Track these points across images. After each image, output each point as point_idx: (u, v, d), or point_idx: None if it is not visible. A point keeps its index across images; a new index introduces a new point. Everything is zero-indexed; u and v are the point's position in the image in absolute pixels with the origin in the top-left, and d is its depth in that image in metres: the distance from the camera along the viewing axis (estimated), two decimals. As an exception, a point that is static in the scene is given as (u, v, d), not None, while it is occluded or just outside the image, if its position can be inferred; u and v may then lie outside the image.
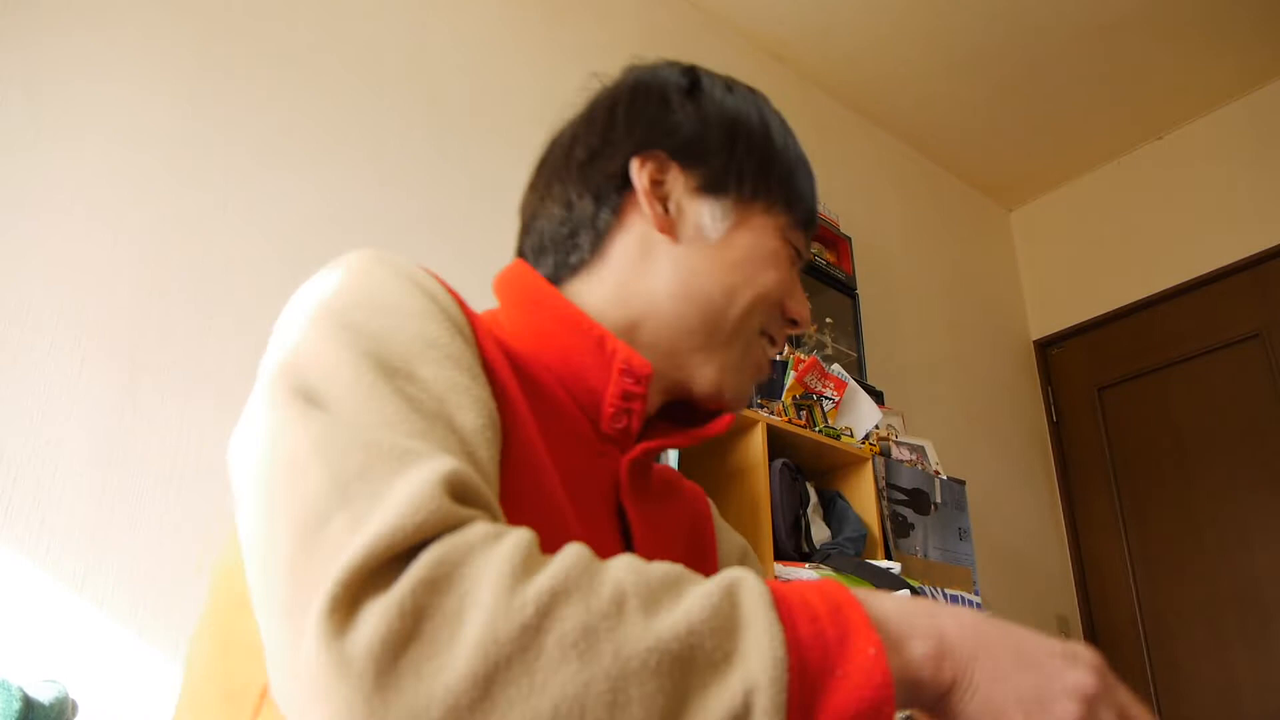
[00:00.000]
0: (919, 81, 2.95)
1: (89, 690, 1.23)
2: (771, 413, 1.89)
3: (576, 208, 0.71)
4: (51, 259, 1.49)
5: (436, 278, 0.58)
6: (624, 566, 0.43)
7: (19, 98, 1.54)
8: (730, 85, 0.75)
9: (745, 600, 0.43)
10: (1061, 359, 3.27)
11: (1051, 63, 2.88)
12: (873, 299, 2.67)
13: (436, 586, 0.39)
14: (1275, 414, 2.68)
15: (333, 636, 0.38)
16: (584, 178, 0.71)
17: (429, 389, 0.49)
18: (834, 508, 1.96)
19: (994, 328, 3.23)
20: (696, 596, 0.42)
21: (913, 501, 2.07)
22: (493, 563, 0.40)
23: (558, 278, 0.72)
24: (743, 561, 0.82)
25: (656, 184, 0.70)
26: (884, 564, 1.80)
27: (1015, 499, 2.95)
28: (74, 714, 1.08)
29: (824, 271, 2.44)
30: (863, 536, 1.91)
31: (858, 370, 2.40)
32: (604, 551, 0.55)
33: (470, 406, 0.50)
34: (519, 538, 0.42)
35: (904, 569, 1.82)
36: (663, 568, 0.44)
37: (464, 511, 0.42)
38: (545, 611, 0.39)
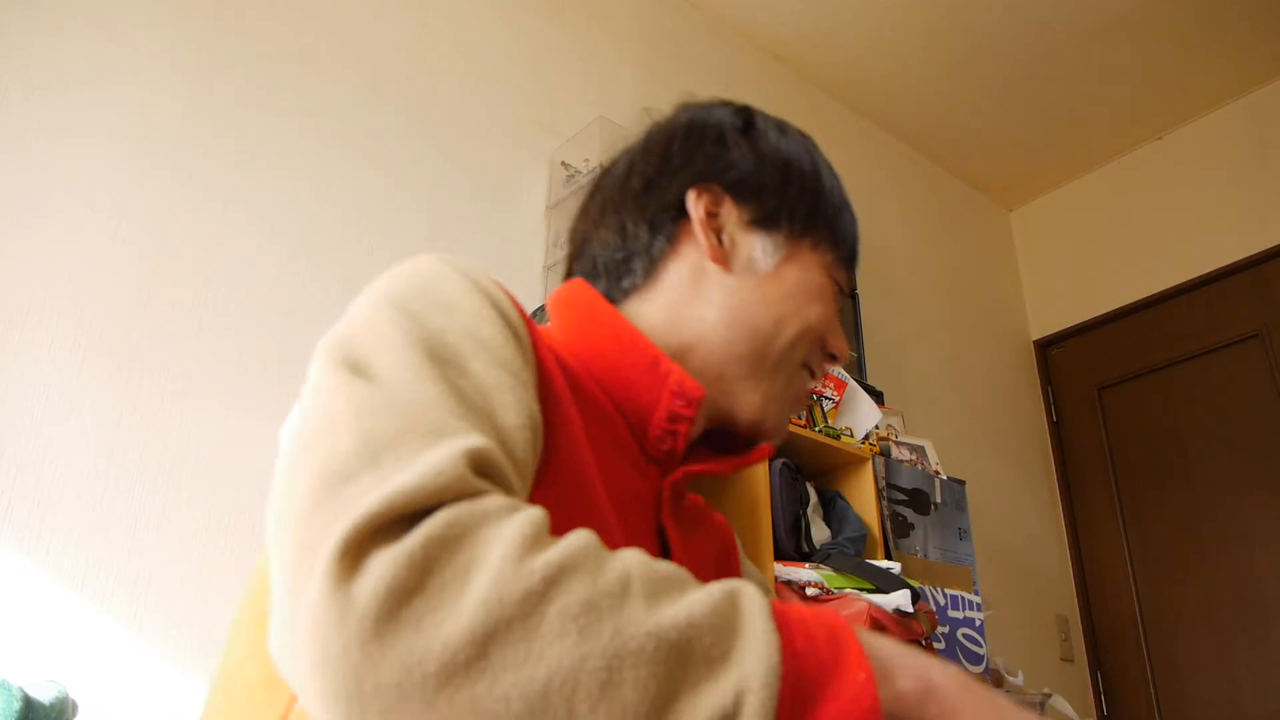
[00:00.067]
0: (919, 82, 2.95)
1: (89, 690, 1.23)
2: (771, 413, 1.89)
3: (631, 235, 0.73)
4: (51, 259, 1.49)
5: (502, 288, 0.59)
6: (632, 556, 0.44)
7: (19, 98, 1.54)
8: (783, 127, 0.79)
9: (746, 606, 0.43)
10: (1061, 359, 3.27)
11: (1051, 63, 2.88)
12: (873, 299, 2.67)
13: (447, 544, 0.40)
14: (1275, 414, 2.68)
15: (338, 581, 0.38)
16: (640, 206, 0.74)
17: (474, 382, 0.50)
18: (834, 508, 1.96)
19: (994, 328, 3.23)
20: (699, 594, 0.43)
21: (913, 501, 2.07)
22: (505, 531, 0.41)
23: (610, 300, 0.74)
24: (765, 593, 0.83)
25: (711, 216, 0.72)
26: (884, 564, 1.79)
27: (1015, 499, 2.95)
28: (74, 714, 1.08)
29: (824, 271, 2.44)
30: (863, 536, 1.91)
31: (858, 370, 2.40)
32: None
33: (513, 406, 0.51)
34: (533, 514, 0.43)
35: (904, 569, 1.82)
36: (669, 565, 0.45)
37: (484, 484, 0.43)
38: (551, 581, 0.39)
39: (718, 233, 0.72)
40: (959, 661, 1.83)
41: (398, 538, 0.40)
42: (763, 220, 0.73)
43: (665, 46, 2.58)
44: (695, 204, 0.72)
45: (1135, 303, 3.07)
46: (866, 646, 0.45)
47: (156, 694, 1.35)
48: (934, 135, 3.17)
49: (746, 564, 0.84)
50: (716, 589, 0.44)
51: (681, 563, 0.66)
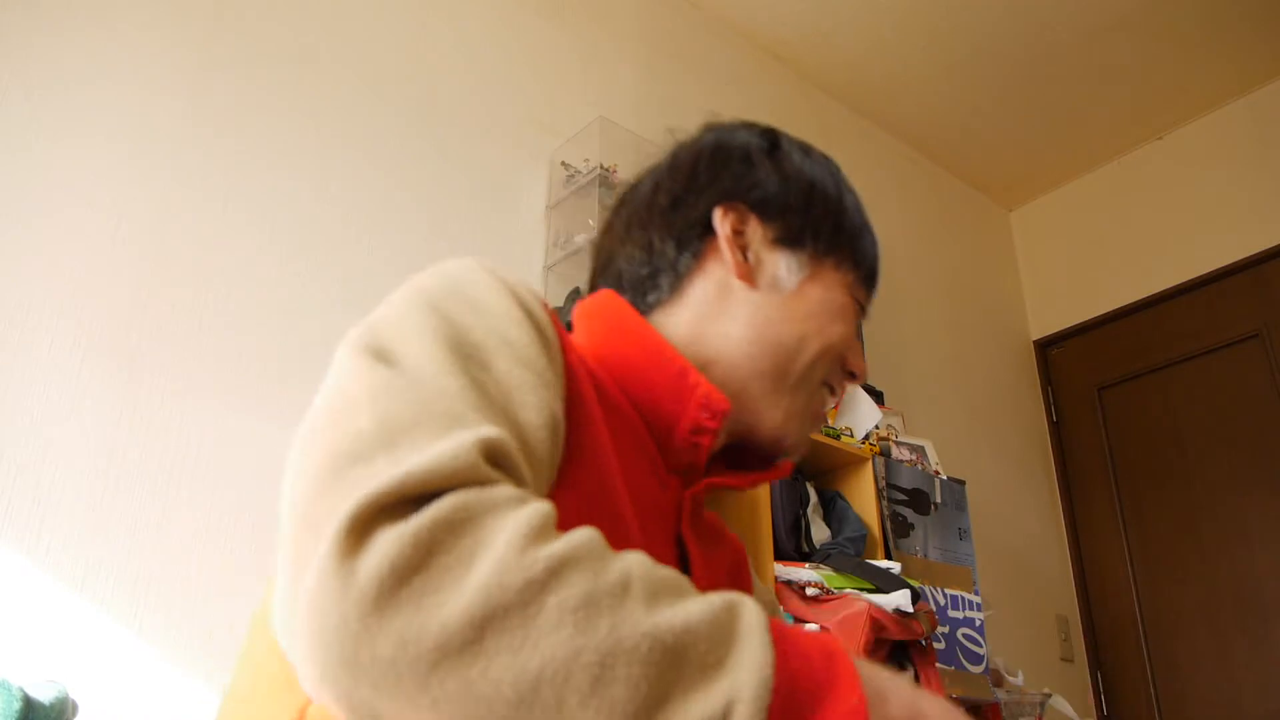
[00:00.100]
0: (919, 82, 2.95)
1: (89, 690, 1.23)
2: (771, 413, 1.89)
3: (658, 251, 0.75)
4: (51, 259, 1.49)
5: (535, 294, 0.60)
6: (635, 558, 0.44)
7: (19, 98, 1.54)
8: (807, 149, 0.80)
9: (745, 618, 0.43)
10: (1061, 359, 3.27)
11: (1051, 63, 2.88)
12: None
13: (453, 528, 0.40)
14: (1275, 414, 2.68)
15: (343, 555, 0.39)
16: (667, 223, 0.75)
17: (497, 380, 0.51)
18: (834, 508, 1.96)
19: (994, 328, 3.23)
20: (698, 601, 0.43)
21: (913, 501, 2.07)
22: (512, 520, 0.41)
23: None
24: (772, 610, 0.84)
25: (737, 233, 0.74)
26: (884, 564, 1.80)
27: (1015, 499, 2.95)
28: (74, 714, 1.08)
29: (824, 271, 2.44)
30: (863, 536, 1.91)
31: (858, 370, 2.39)
32: None
33: (534, 406, 0.51)
34: (541, 507, 0.43)
35: (904, 569, 1.82)
36: (671, 571, 0.45)
37: (495, 474, 0.44)
38: (553, 573, 0.40)
39: (743, 250, 0.74)
40: (959, 661, 1.83)
41: (405, 517, 0.40)
42: (787, 239, 0.74)
43: (665, 46, 2.58)
44: (722, 221, 0.74)
45: (1135, 303, 3.07)
46: (861, 671, 0.45)
47: (156, 694, 1.35)
48: (934, 135, 3.17)
49: (758, 584, 0.85)
50: (717, 598, 0.44)
51: (699, 574, 0.67)
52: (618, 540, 0.55)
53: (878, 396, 2.22)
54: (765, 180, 0.75)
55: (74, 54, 1.62)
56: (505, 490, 0.43)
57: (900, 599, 1.64)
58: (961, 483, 2.21)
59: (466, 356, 0.51)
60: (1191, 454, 2.83)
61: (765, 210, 0.75)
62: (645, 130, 2.33)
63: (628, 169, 2.16)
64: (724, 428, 0.70)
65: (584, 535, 0.43)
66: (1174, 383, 2.93)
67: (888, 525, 1.98)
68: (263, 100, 1.80)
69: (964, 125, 3.13)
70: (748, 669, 0.41)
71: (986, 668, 1.87)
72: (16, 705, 0.98)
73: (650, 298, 0.74)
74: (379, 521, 0.40)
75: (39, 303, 1.46)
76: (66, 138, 1.56)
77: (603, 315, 0.73)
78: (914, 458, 2.18)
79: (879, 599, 1.62)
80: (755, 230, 0.74)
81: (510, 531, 0.41)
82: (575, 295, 1.90)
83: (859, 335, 0.80)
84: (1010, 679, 1.98)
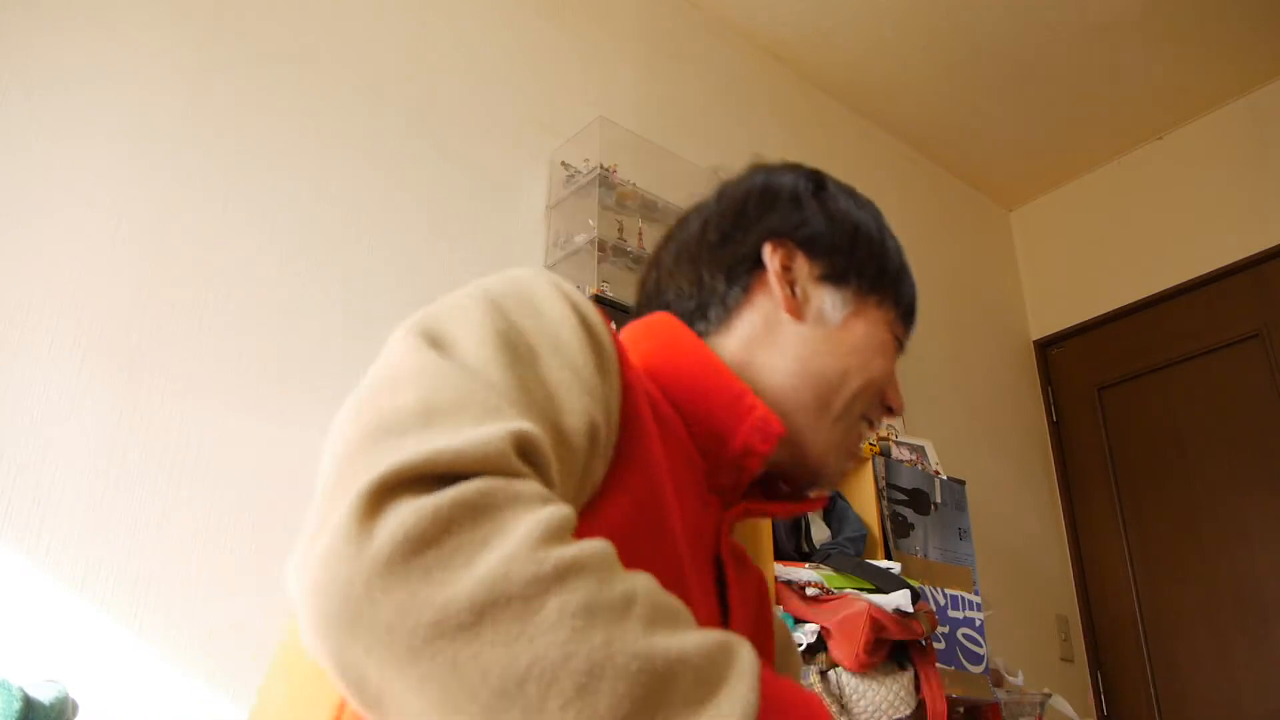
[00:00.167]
0: (919, 82, 2.96)
1: (89, 690, 1.23)
2: (771, 413, 1.89)
3: (707, 285, 0.77)
4: (51, 259, 1.49)
5: (597, 308, 0.61)
6: (643, 579, 0.44)
7: (19, 98, 1.54)
8: (851, 192, 0.83)
9: (738, 663, 0.43)
10: (1061, 359, 3.27)
11: (1051, 63, 2.88)
12: (873, 299, 2.67)
13: (473, 511, 0.41)
14: (1275, 414, 2.68)
15: (363, 515, 0.40)
16: (716, 258, 0.78)
17: (542, 381, 0.52)
18: (834, 508, 1.96)
19: (994, 328, 3.23)
20: (696, 635, 0.43)
21: (913, 501, 2.07)
22: (531, 516, 0.42)
23: None
24: (786, 647, 0.86)
25: (785, 269, 0.77)
26: (884, 564, 1.80)
27: (1015, 499, 2.95)
28: (74, 714, 1.08)
29: (824, 271, 2.44)
30: (863, 536, 1.91)
31: (858, 370, 2.39)
32: (704, 595, 0.61)
33: (575, 411, 0.52)
34: (562, 510, 0.44)
35: (904, 569, 1.82)
36: (676, 600, 0.45)
37: (524, 468, 0.45)
38: (560, 575, 0.40)
39: (791, 285, 0.76)
40: (959, 661, 1.83)
41: (428, 492, 0.41)
42: (833, 276, 0.77)
43: (665, 46, 2.58)
44: (771, 257, 0.76)
45: (1135, 303, 3.07)
46: None
47: (156, 694, 1.35)
48: (934, 135, 3.17)
49: (776, 615, 0.86)
50: (715, 636, 0.44)
51: (734, 596, 0.68)
52: (664, 551, 0.57)
53: (878, 396, 2.22)
54: (813, 219, 0.78)
55: (74, 54, 1.62)
56: (531, 486, 0.44)
57: (900, 599, 1.64)
58: (961, 483, 2.21)
59: (516, 354, 0.52)
60: (1191, 454, 2.83)
61: (812, 248, 0.77)
62: (645, 130, 2.33)
63: (628, 169, 2.16)
64: (771, 453, 0.71)
65: (598, 546, 0.43)
66: (1174, 383, 2.93)
67: (888, 525, 1.98)
68: (263, 100, 1.80)
69: (964, 125, 3.13)
70: (730, 714, 0.41)
71: (986, 668, 1.87)
72: (16, 705, 0.98)
73: (698, 328, 0.77)
74: (402, 492, 0.41)
75: (39, 303, 1.46)
76: (66, 138, 1.56)
77: (660, 334, 0.75)
78: (914, 458, 2.18)
79: (879, 599, 1.62)
80: (802, 267, 0.77)
81: (527, 526, 0.41)
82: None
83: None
84: (1010, 679, 1.98)
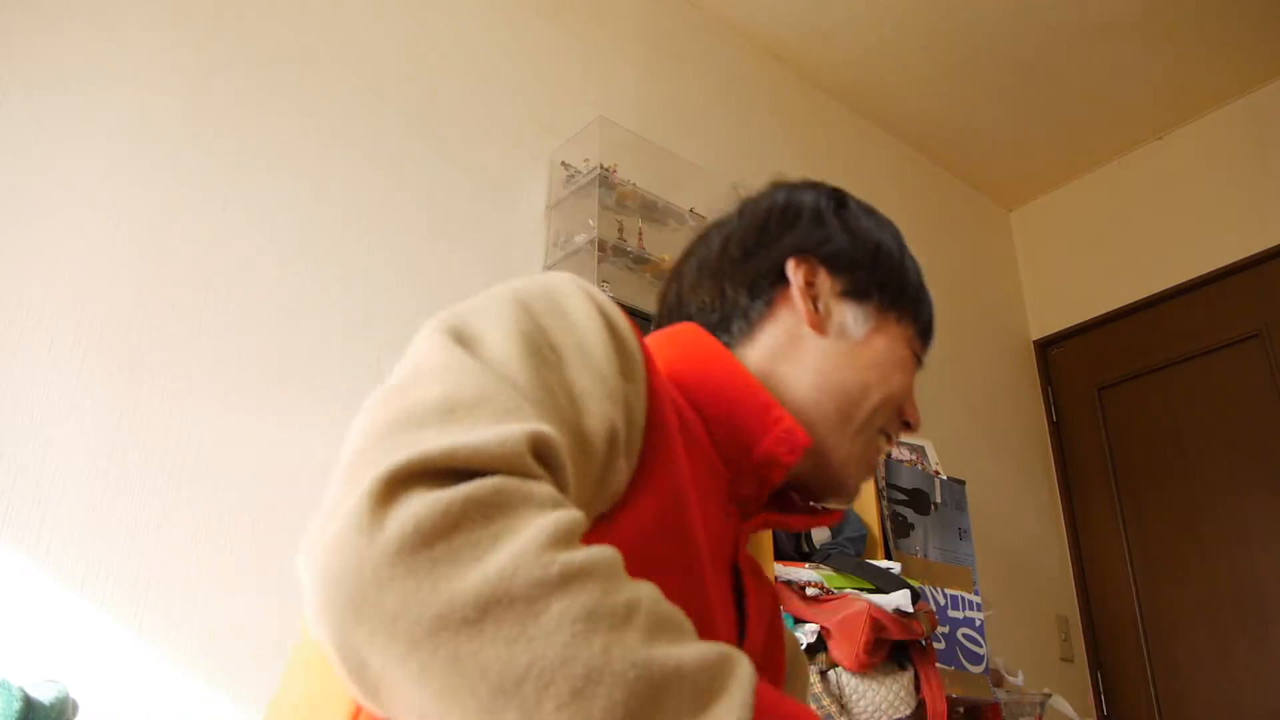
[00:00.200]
0: (919, 82, 2.95)
1: (89, 690, 1.23)
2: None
3: (730, 298, 0.79)
4: (51, 259, 1.49)
5: (626, 316, 0.62)
6: (647, 589, 0.45)
7: (19, 98, 1.54)
8: (871, 211, 0.85)
9: (736, 676, 0.44)
10: (1061, 359, 3.27)
11: (1051, 63, 2.88)
12: (873, 299, 2.67)
13: (485, 509, 0.42)
14: (1275, 414, 2.68)
15: (376, 503, 0.41)
16: (739, 272, 0.79)
17: (565, 384, 0.53)
18: (834, 508, 1.96)
19: (994, 328, 3.23)
20: (696, 648, 0.43)
21: (913, 501, 2.07)
22: (542, 519, 0.42)
23: None
24: (795, 659, 0.86)
25: (809, 284, 0.78)
26: (884, 564, 1.79)
27: (1015, 499, 2.95)
28: (74, 714, 1.08)
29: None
30: (862, 537, 1.91)
31: (858, 370, 2.39)
32: (723, 603, 0.61)
33: (596, 416, 0.53)
34: (573, 515, 0.44)
35: (904, 569, 1.82)
36: (679, 612, 0.46)
37: (539, 470, 0.46)
38: (565, 580, 0.41)
39: (814, 300, 0.78)
40: (959, 661, 1.83)
41: (442, 486, 0.42)
42: (854, 292, 0.79)
43: (665, 46, 2.58)
44: (795, 272, 0.78)
45: (1135, 303, 3.07)
46: None
47: (156, 694, 1.35)
48: (934, 135, 3.17)
49: (787, 630, 0.87)
50: (714, 649, 0.44)
51: (752, 606, 0.69)
52: (687, 556, 0.57)
53: (878, 396, 2.22)
54: (835, 236, 0.80)
55: (74, 54, 1.62)
56: (544, 488, 0.44)
57: (900, 599, 1.64)
58: (961, 483, 2.21)
59: (541, 356, 0.53)
60: (1191, 454, 2.83)
61: (835, 264, 0.79)
62: (645, 130, 2.33)
63: (628, 169, 2.16)
64: (795, 465, 0.71)
65: (605, 553, 0.44)
66: (1174, 383, 2.93)
67: (888, 525, 1.98)
68: (263, 100, 1.80)
69: (964, 125, 3.13)
70: None
71: (986, 668, 1.87)
72: (16, 705, 0.98)
73: (721, 340, 0.78)
74: (416, 483, 0.42)
75: (39, 303, 1.46)
76: (66, 138, 1.56)
77: (685, 342, 0.76)
78: (914, 458, 2.18)
79: (879, 599, 1.62)
80: (825, 282, 0.78)
81: (537, 529, 0.42)
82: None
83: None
84: (1010, 679, 1.98)
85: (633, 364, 0.58)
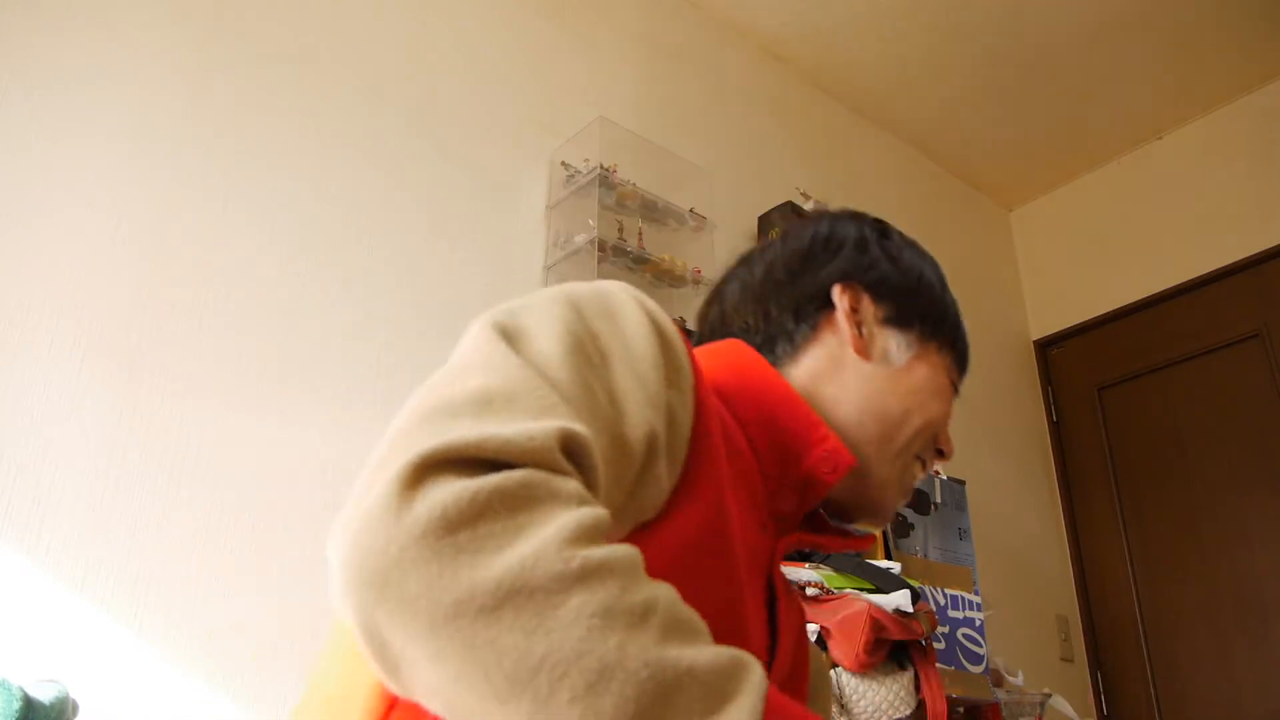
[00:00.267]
0: (919, 81, 2.95)
1: (89, 690, 1.23)
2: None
3: (775, 319, 0.80)
4: (51, 259, 1.49)
5: (676, 325, 0.62)
6: (665, 591, 0.45)
7: (19, 98, 1.54)
8: (912, 243, 0.88)
9: (747, 681, 0.44)
10: (1061, 359, 3.27)
11: (1052, 63, 2.88)
12: (873, 299, 2.67)
13: (511, 501, 0.43)
14: (1275, 414, 2.68)
15: (406, 486, 0.42)
16: (783, 295, 0.81)
17: (608, 387, 0.54)
18: (834, 508, 1.96)
19: (994, 328, 3.23)
20: (709, 651, 0.44)
21: (913, 501, 2.07)
22: (566, 514, 0.43)
23: None
24: (820, 676, 0.87)
25: (853, 310, 0.80)
26: (884, 564, 1.79)
27: (1015, 499, 2.95)
28: (74, 714, 1.08)
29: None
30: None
31: (858, 370, 2.39)
32: (756, 616, 0.62)
33: (637, 421, 0.53)
34: (597, 512, 0.45)
35: (904, 569, 1.82)
36: (695, 615, 0.46)
37: (568, 465, 0.47)
38: (586, 575, 0.42)
39: (859, 325, 0.79)
40: (959, 661, 1.83)
41: (471, 475, 0.43)
42: (897, 319, 0.80)
43: (665, 46, 2.58)
44: (841, 297, 0.79)
45: (1135, 303, 3.07)
46: None
47: (156, 694, 1.35)
48: (934, 135, 3.17)
49: (813, 647, 0.87)
50: (727, 653, 0.44)
51: (784, 620, 0.70)
52: (726, 566, 0.58)
53: (878, 396, 2.22)
54: (879, 264, 0.82)
55: (74, 54, 1.62)
56: (571, 484, 0.45)
57: (900, 599, 1.64)
58: (961, 483, 2.21)
59: (585, 357, 0.54)
60: (1191, 454, 2.83)
61: (879, 291, 0.80)
62: (645, 130, 2.33)
63: (628, 169, 2.16)
64: (836, 484, 0.72)
65: (626, 552, 0.44)
66: (1174, 383, 2.92)
67: (888, 525, 1.98)
68: (263, 100, 1.80)
69: (964, 125, 3.13)
70: None
71: (986, 668, 1.87)
72: (16, 705, 0.98)
73: (765, 359, 0.79)
74: (446, 470, 0.43)
75: (39, 303, 1.46)
76: (66, 138, 1.56)
77: (732, 357, 0.77)
78: (914, 458, 2.18)
79: (879, 599, 1.62)
80: (869, 308, 0.80)
81: (561, 524, 0.43)
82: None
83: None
84: (1010, 679, 1.98)
85: (680, 373, 0.58)
